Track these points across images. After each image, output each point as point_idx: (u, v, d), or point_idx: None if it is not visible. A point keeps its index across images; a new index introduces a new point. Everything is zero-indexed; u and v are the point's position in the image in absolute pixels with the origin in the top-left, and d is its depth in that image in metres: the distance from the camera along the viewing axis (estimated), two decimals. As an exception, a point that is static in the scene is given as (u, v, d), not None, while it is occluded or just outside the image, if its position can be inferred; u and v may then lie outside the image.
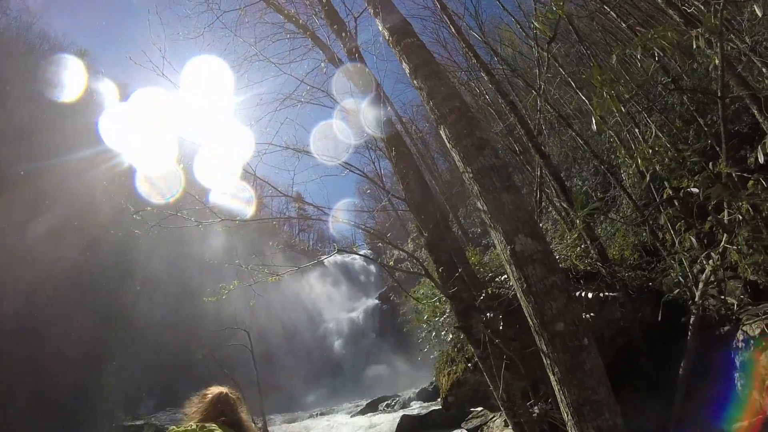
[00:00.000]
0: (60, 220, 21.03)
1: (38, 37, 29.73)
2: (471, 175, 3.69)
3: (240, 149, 6.03)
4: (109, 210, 18.94)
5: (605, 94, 4.24)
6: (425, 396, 16.23)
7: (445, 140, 4.10)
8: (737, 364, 5.68)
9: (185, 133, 5.93)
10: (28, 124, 23.00)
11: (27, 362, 19.44)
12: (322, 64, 8.43)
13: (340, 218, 6.03)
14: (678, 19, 7.09)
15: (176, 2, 9.80)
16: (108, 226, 17.75)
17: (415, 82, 4.54)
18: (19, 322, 19.52)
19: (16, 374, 18.89)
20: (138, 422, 16.36)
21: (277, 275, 5.95)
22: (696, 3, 7.73)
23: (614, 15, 11.21)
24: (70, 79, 26.50)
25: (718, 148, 5.72)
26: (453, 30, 11.91)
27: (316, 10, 8.97)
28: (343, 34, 7.70)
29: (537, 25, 5.78)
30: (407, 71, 4.72)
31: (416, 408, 15.00)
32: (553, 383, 3.15)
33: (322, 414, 19.10)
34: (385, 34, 5.18)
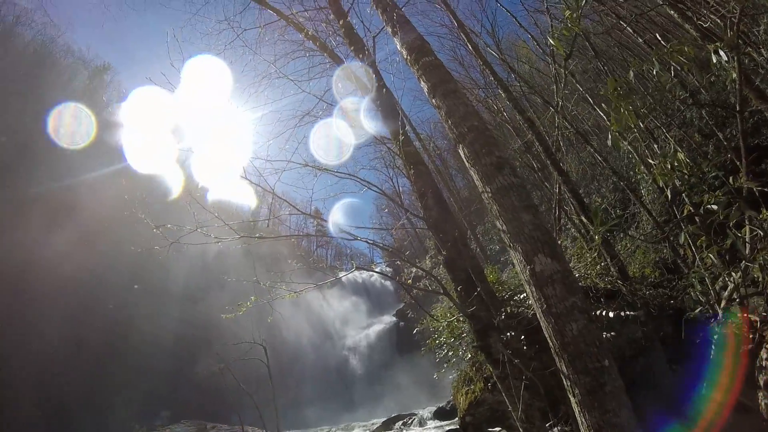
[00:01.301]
0: (79, 233, 21.30)
1: (62, 50, 30.20)
2: (490, 195, 3.69)
3: (260, 166, 6.07)
4: (128, 224, 19.22)
5: (622, 109, 4.22)
6: (442, 415, 16.05)
7: (464, 159, 4.10)
8: (761, 383, 5.56)
9: (197, 148, 6.01)
10: (47, 139, 23.35)
11: (43, 369, 19.69)
12: (339, 84, 8.53)
13: (359, 236, 6.04)
14: (694, 34, 7.08)
15: (198, 20, 9.98)
16: (126, 241, 18.01)
17: (433, 100, 4.57)
18: (35, 331, 19.76)
19: (32, 382, 19.11)
20: (151, 432, 16.37)
21: (295, 292, 5.94)
22: (712, 17, 7.71)
23: (630, 30, 11.22)
24: (92, 93, 26.99)
25: (738, 162, 5.68)
26: (470, 47, 11.99)
27: (335, 28, 9.09)
28: (361, 54, 7.78)
29: (553, 43, 5.80)
30: (426, 90, 4.74)
31: (432, 427, 14.85)
32: (573, 405, 3.11)
33: (337, 431, 19.01)
34: (404, 53, 5.23)
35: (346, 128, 7.95)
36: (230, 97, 8.69)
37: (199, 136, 6.45)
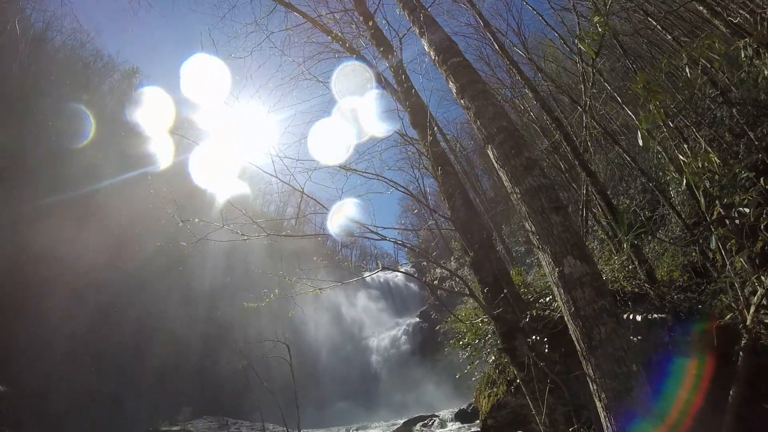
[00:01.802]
0: (106, 235, 21.81)
1: (92, 55, 30.78)
2: (519, 196, 3.67)
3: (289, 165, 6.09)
4: (155, 225, 19.49)
5: (651, 107, 4.15)
6: (463, 417, 15.95)
7: (493, 160, 4.08)
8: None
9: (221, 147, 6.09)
10: (76, 142, 23.82)
11: (69, 363, 20.20)
12: (368, 84, 8.55)
13: (385, 236, 6.04)
14: (724, 30, 6.93)
15: (225, 24, 10.10)
16: (153, 241, 18.40)
17: (462, 101, 4.55)
18: (64, 327, 20.32)
19: (57, 375, 19.58)
20: (174, 428, 16.50)
21: (319, 289, 5.98)
22: (742, 12, 7.52)
23: (659, 28, 11.02)
24: (122, 97, 27.44)
25: (769, 163, 5.55)
26: (496, 47, 11.94)
27: (361, 30, 9.13)
28: (389, 55, 7.79)
29: (581, 46, 5.74)
30: (454, 90, 4.73)
31: (454, 429, 14.80)
32: (599, 409, 3.08)
33: (357, 431, 19.03)
34: (432, 54, 5.23)
35: (372, 128, 7.97)
36: (258, 98, 8.78)
37: (223, 136, 6.53)
